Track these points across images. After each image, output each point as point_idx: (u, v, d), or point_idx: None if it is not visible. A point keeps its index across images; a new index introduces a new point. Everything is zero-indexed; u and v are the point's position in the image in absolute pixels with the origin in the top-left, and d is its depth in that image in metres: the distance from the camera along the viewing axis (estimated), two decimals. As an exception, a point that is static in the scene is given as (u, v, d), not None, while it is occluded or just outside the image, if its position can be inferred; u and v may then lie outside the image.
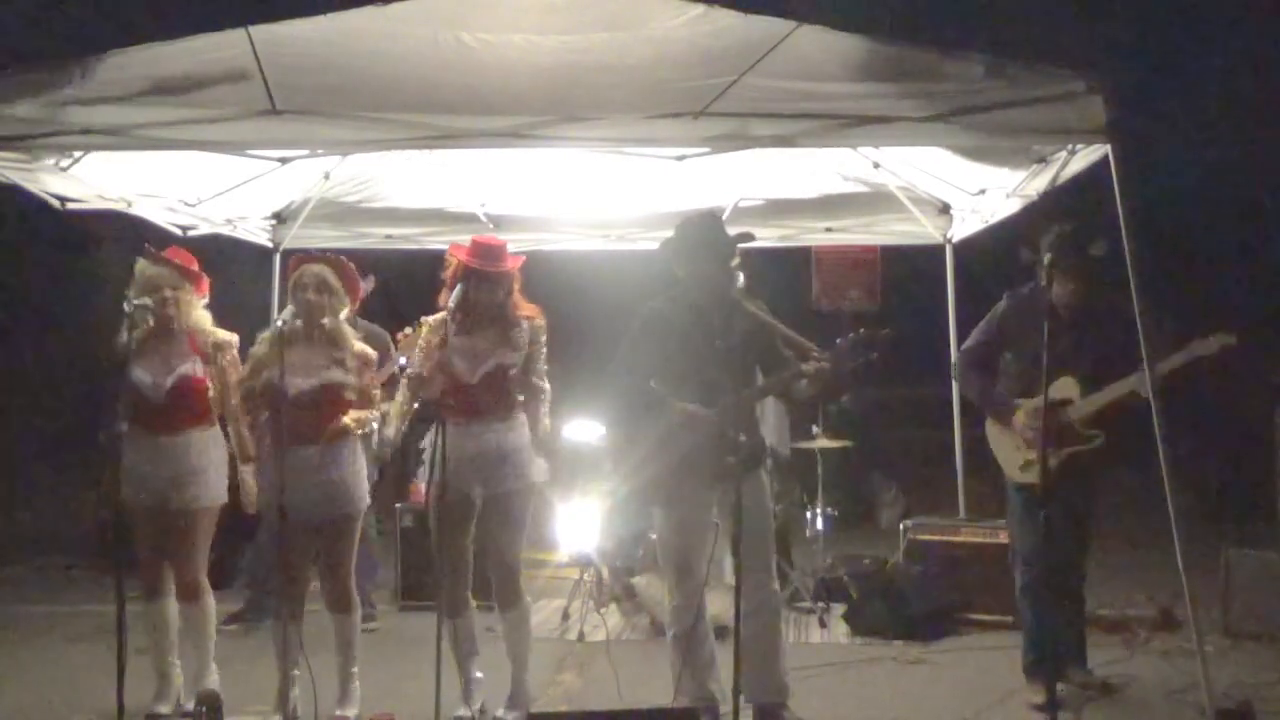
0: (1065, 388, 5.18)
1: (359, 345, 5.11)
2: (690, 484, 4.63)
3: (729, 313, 4.74)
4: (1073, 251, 5.06)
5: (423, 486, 5.08)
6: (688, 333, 4.75)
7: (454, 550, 5.05)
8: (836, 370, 4.52)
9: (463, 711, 5.10)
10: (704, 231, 4.83)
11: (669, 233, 4.98)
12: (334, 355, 5.01)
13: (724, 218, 7.47)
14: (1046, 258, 5.23)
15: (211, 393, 5.19)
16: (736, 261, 4.86)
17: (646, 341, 4.88)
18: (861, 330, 4.50)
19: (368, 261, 7.18)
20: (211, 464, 5.22)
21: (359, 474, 5.10)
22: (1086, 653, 5.55)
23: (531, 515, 5.19)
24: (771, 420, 7.17)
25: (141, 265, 5.18)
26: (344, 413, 4.98)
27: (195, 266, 5.29)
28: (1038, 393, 5.19)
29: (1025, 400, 5.32)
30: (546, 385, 5.19)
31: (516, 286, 5.14)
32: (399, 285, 7.81)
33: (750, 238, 4.90)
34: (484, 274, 5.02)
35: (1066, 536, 5.30)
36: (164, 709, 5.21)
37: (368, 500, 5.19)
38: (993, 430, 5.53)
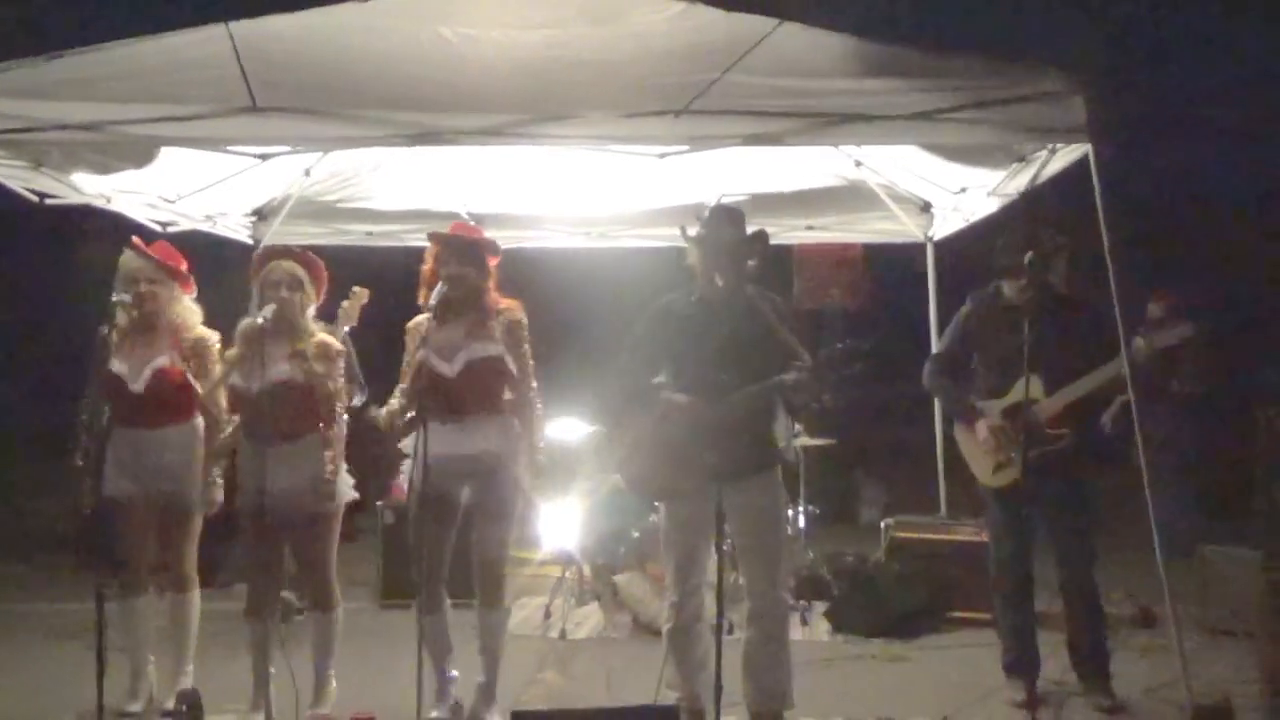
0: (1031, 388, 5.18)
1: (320, 335, 5.07)
2: (693, 480, 4.61)
3: (738, 311, 4.71)
4: (1021, 253, 5.08)
5: (405, 484, 5.04)
6: (695, 328, 4.72)
7: (433, 548, 5.02)
8: (818, 382, 4.50)
9: (435, 713, 5.06)
10: (720, 227, 4.78)
11: (657, 230, 4.94)
12: (296, 348, 4.97)
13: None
14: (999, 260, 5.30)
15: (199, 390, 5.17)
16: (753, 262, 4.80)
17: (654, 336, 4.85)
18: (847, 341, 4.49)
19: (350, 262, 7.16)
20: (197, 458, 5.20)
21: (337, 469, 5.07)
22: (1110, 673, 5.37)
23: (517, 515, 5.16)
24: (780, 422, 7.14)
25: (125, 258, 5.18)
26: (312, 406, 4.96)
27: (182, 264, 5.27)
28: (1005, 393, 5.23)
29: (989, 403, 5.34)
30: (537, 400, 5.13)
31: (493, 281, 5.10)
32: (380, 283, 7.75)
33: (764, 236, 4.85)
34: (462, 245, 5.00)
35: (1059, 539, 5.33)
36: (135, 707, 5.19)
37: (351, 495, 5.15)
38: (962, 435, 5.54)
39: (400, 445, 5.10)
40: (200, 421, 5.27)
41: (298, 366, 4.93)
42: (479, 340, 4.95)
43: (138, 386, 5.08)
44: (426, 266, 5.08)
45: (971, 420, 5.39)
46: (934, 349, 5.76)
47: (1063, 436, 5.19)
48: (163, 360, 5.14)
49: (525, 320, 5.10)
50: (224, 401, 5.12)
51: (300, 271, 5.03)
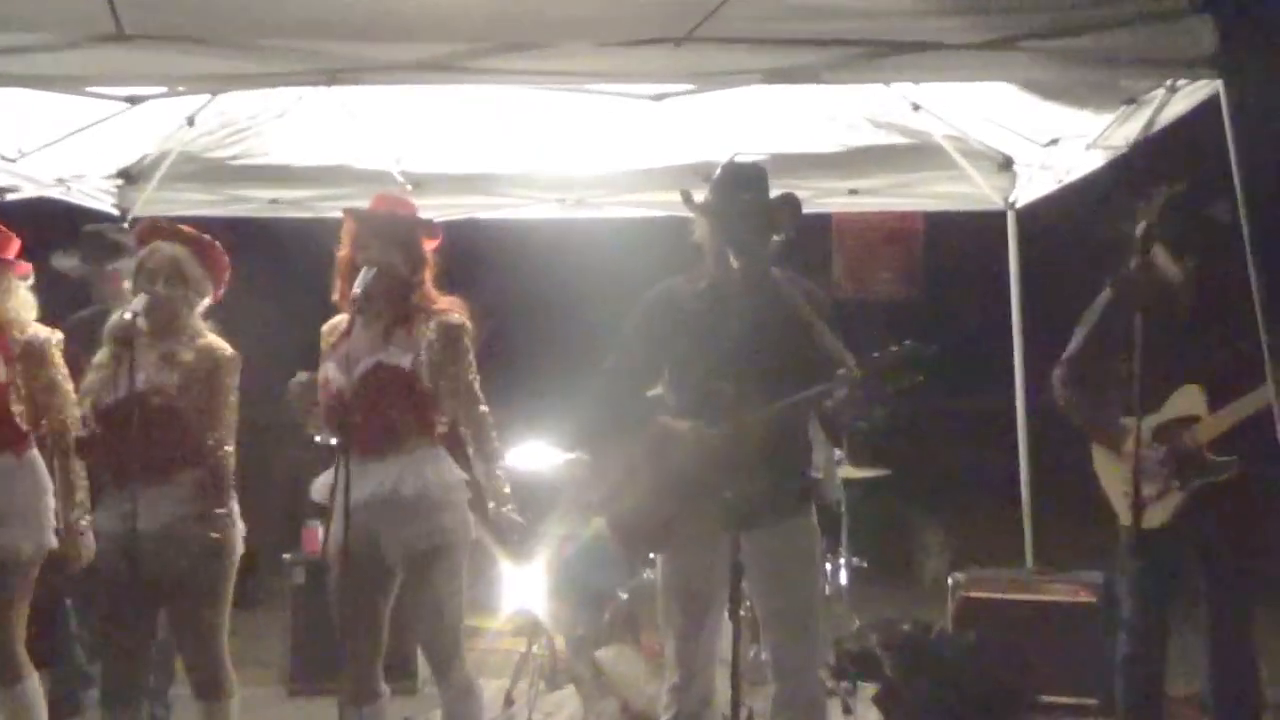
0: (1190, 401, 5.13)
1: (208, 338, 5.06)
2: (700, 525, 4.59)
3: (760, 301, 4.64)
4: (1187, 218, 5.00)
5: (319, 534, 5.02)
6: (703, 325, 4.67)
7: (365, 619, 5.00)
8: (867, 395, 4.46)
9: None
10: (735, 191, 4.70)
11: (653, 195, 4.90)
12: (171, 354, 4.95)
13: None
14: (1146, 228, 5.18)
15: (20, 407, 5.13)
16: (779, 237, 4.72)
17: (650, 335, 4.83)
18: (906, 343, 4.43)
19: (248, 236, 7.13)
20: (23, 501, 5.17)
21: (231, 520, 5.04)
22: None
23: (465, 573, 5.13)
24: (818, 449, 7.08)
25: None
26: (185, 434, 4.94)
27: (10, 247, 5.23)
28: (1159, 406, 5.16)
29: (1137, 420, 5.26)
30: (481, 403, 5.11)
31: (429, 271, 5.09)
32: (290, 264, 7.75)
33: (794, 202, 4.73)
34: (386, 224, 5.00)
35: (1215, 597, 5.27)
36: None
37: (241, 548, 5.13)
38: (1102, 461, 5.48)
39: (312, 492, 5.06)
40: (35, 453, 5.24)
41: (169, 376, 4.91)
42: (391, 345, 4.94)
43: None
44: (342, 253, 5.06)
45: (1117, 439, 5.30)
46: (1065, 352, 5.62)
47: (1230, 464, 5.16)
48: None
49: (468, 324, 5.08)
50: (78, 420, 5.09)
51: (186, 261, 5.01)
